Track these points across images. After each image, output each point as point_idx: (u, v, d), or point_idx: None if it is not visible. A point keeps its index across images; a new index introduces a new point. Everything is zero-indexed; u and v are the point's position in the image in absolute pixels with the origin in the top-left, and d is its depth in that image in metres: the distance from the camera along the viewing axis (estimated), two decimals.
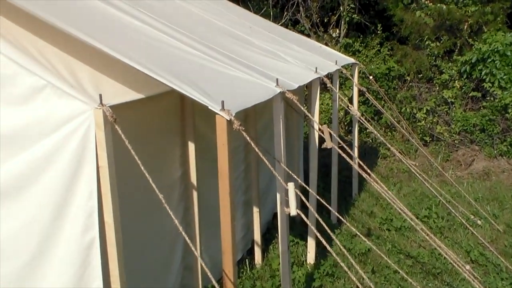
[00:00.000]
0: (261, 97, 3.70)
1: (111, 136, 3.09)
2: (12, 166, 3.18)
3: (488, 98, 9.92)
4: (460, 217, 6.24)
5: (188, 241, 2.93)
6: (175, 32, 4.31)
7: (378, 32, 11.74)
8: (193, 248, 2.94)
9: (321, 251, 5.55)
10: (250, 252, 5.74)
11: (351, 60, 7.86)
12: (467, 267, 5.02)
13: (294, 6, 11.23)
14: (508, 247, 6.00)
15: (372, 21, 11.88)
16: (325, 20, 11.64)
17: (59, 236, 3.20)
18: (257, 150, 3.22)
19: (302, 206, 6.91)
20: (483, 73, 9.96)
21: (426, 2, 10.99)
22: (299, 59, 5.83)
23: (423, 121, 10.35)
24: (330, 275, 5.26)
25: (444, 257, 5.42)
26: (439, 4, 10.76)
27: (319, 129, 4.39)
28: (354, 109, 6.18)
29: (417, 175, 6.61)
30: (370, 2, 11.85)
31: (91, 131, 3.06)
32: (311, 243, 5.53)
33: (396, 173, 9.35)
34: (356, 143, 7.70)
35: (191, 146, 4.17)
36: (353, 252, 5.72)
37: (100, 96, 3.04)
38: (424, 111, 10.45)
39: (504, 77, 9.72)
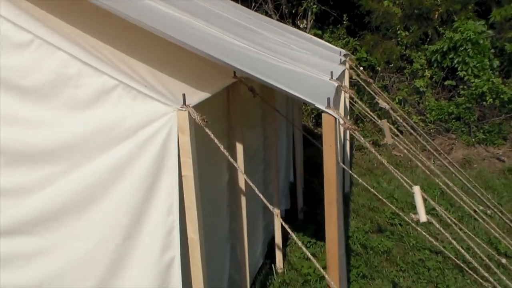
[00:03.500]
0: (331, 92, 3.41)
1: (195, 141, 2.74)
2: (77, 180, 2.78)
3: (462, 87, 9.93)
4: (469, 209, 6.15)
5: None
6: (215, 27, 3.97)
7: (344, 22, 11.59)
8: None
9: None
10: (268, 257, 5.46)
11: (343, 51, 7.66)
12: (503, 260, 4.93)
13: None
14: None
15: (340, 11, 11.71)
16: (293, 11, 11.39)
17: (133, 256, 2.83)
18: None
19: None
20: (455, 61, 9.97)
21: None
22: (312, 51, 5.57)
23: (397, 112, 10.28)
24: (365, 276, 5.04)
25: (473, 251, 5.29)
26: None
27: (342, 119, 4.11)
28: (382, 101, 5.96)
29: (420, 164, 6.45)
30: None
31: (173, 136, 2.70)
32: None
33: (376, 165, 9.23)
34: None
35: (240, 149, 3.84)
36: (377, 251, 5.52)
37: (184, 95, 2.69)
38: (397, 101, 10.39)
39: (477, 65, 9.76)
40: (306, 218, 6.45)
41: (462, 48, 9.86)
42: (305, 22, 11.21)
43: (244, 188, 3.91)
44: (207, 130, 2.65)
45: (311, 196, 6.97)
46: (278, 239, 5.26)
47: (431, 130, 9.97)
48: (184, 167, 2.71)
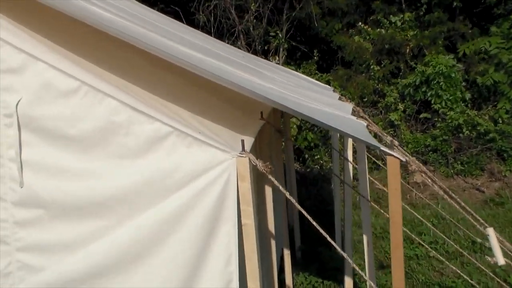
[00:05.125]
0: (364, 133, 3.36)
1: (253, 189, 2.63)
2: (127, 234, 2.63)
3: (437, 119, 10.08)
4: (465, 241, 6.17)
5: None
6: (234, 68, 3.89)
7: (315, 57, 11.68)
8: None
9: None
10: None
11: (329, 87, 7.69)
12: None
13: (235, 35, 10.92)
14: None
15: (310, 47, 11.81)
16: (265, 47, 11.43)
17: None
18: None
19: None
20: (428, 94, 10.13)
21: (364, 27, 11.10)
22: (311, 89, 5.54)
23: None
24: None
25: (484, 286, 5.29)
26: (378, 29, 10.90)
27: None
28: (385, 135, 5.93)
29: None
30: (308, 28, 11.78)
31: (231, 183, 2.58)
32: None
33: (359, 199, 9.19)
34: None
35: (268, 191, 3.73)
36: None
37: (242, 142, 2.58)
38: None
39: (450, 97, 9.95)
40: (306, 257, 6.33)
41: (435, 82, 10.03)
42: (277, 58, 11.24)
43: (273, 232, 3.80)
44: (270, 177, 2.54)
45: (308, 235, 6.86)
46: (289, 280, 5.14)
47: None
48: (244, 215, 2.59)
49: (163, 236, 2.60)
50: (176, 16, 9.72)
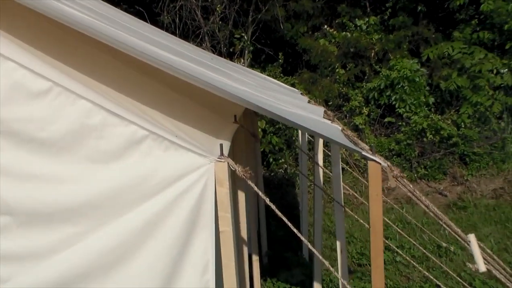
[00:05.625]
0: (341, 137, 3.31)
1: (233, 195, 2.56)
2: (100, 241, 2.54)
3: (401, 123, 10.16)
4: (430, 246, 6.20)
5: None
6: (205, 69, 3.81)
7: (280, 60, 11.64)
8: None
9: None
10: None
11: (296, 90, 7.65)
12: None
13: (200, 37, 10.81)
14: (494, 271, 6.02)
15: (274, 50, 11.77)
16: (231, 50, 11.36)
17: None
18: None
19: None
20: (392, 98, 10.20)
21: (330, 30, 11.12)
22: (280, 92, 5.49)
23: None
24: None
25: None
26: (343, 32, 10.93)
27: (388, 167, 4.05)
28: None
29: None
30: (273, 30, 11.74)
31: (209, 189, 2.51)
32: None
33: (327, 204, 9.20)
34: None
35: (241, 196, 3.66)
36: None
37: (221, 146, 2.51)
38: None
39: (414, 102, 10.04)
40: (273, 263, 6.27)
41: (399, 86, 10.11)
42: (242, 60, 11.17)
43: (246, 238, 3.73)
44: (250, 182, 2.47)
45: (274, 241, 6.81)
46: (257, 286, 5.07)
47: None
48: (222, 222, 2.52)
49: (138, 244, 2.51)
50: (140, 17, 9.55)
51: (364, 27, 10.98)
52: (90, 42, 2.56)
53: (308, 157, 6.53)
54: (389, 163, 2.63)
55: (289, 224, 2.50)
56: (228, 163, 2.46)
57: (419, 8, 10.93)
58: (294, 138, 10.49)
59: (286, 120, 2.64)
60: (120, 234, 2.50)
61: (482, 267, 2.55)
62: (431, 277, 4.47)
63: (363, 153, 2.54)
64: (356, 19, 11.11)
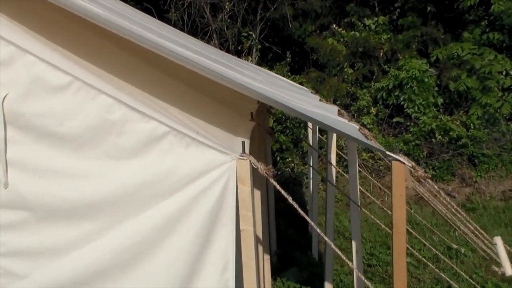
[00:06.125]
0: (361, 136, 3.27)
1: (253, 193, 2.52)
2: (120, 238, 2.50)
3: (409, 123, 10.11)
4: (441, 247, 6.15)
5: None
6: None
7: (288, 59, 11.60)
8: None
9: None
10: None
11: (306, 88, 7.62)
12: None
13: (208, 34, 10.78)
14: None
15: (282, 48, 11.72)
16: (239, 48, 11.32)
17: None
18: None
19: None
20: (401, 99, 10.15)
21: (338, 29, 11.07)
22: (292, 90, 5.45)
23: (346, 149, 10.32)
24: None
25: None
26: (352, 32, 10.88)
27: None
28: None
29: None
30: (281, 29, 11.70)
31: (230, 187, 2.47)
32: None
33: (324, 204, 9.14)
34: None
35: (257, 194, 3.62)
36: None
37: (243, 143, 2.47)
38: (345, 139, 10.42)
39: (423, 102, 9.99)
40: (282, 262, 6.23)
41: (408, 86, 10.05)
42: (250, 58, 11.13)
43: (261, 237, 3.69)
44: (272, 180, 2.43)
45: (283, 240, 6.77)
46: (268, 285, 5.03)
47: (380, 167, 10.05)
48: (243, 220, 2.48)
49: (157, 241, 2.47)
50: (148, 13, 9.53)
51: (373, 26, 10.93)
52: (107, 37, 2.52)
53: (319, 156, 6.49)
54: (413, 163, 2.58)
55: (314, 226, 2.45)
56: (250, 161, 2.42)
57: (428, 8, 10.87)
58: (302, 136, 10.46)
59: (308, 118, 2.61)
60: (139, 231, 2.47)
61: (509, 270, 2.50)
62: (445, 277, 4.40)
63: (388, 152, 2.49)
64: (365, 19, 11.06)
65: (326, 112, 3.79)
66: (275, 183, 2.44)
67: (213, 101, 3.10)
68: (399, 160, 2.48)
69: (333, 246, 2.73)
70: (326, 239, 2.76)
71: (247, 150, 2.52)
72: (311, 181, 7.28)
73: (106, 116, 2.43)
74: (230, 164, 2.44)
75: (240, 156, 2.44)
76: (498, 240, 2.62)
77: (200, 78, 2.53)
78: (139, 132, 2.44)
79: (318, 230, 2.70)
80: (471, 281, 5.05)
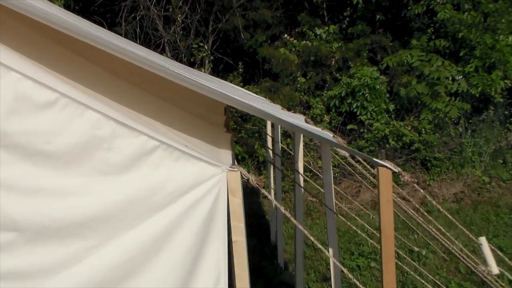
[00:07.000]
0: (341, 144, 3.34)
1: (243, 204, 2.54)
2: (111, 255, 2.48)
3: (363, 130, 10.30)
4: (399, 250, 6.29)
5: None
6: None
7: (240, 69, 11.64)
8: None
9: None
10: None
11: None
12: None
13: (161, 47, 10.74)
14: (465, 273, 6.16)
15: (235, 59, 11.77)
16: (191, 60, 11.31)
17: None
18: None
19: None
20: (353, 106, 10.33)
21: (290, 39, 11.21)
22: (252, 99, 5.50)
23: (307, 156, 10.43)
24: None
25: None
26: (304, 41, 11.03)
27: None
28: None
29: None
30: (233, 40, 11.75)
31: (221, 199, 2.49)
32: None
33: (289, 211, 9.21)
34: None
35: None
36: None
37: (233, 155, 2.51)
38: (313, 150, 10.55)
39: (375, 109, 10.19)
40: (250, 272, 6.23)
41: (360, 93, 10.24)
42: (203, 70, 11.14)
43: None
44: (264, 191, 2.46)
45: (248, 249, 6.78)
46: None
47: (336, 174, 10.17)
48: (235, 232, 2.50)
49: (150, 256, 2.46)
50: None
51: (323, 35, 11.10)
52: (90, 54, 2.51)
53: (282, 164, 6.55)
54: (399, 168, 2.65)
55: (298, 225, 2.49)
56: (240, 172, 2.44)
57: (377, 16, 11.13)
58: (256, 147, 10.52)
59: (290, 125, 2.65)
60: (131, 247, 2.45)
61: (495, 269, 2.59)
62: (418, 276, 4.50)
63: (374, 159, 2.55)
64: (316, 28, 11.22)
65: (297, 120, 3.85)
66: (266, 194, 2.47)
67: (190, 114, 3.12)
68: (386, 166, 2.54)
69: (341, 267, 2.77)
70: (338, 264, 2.80)
71: (231, 161, 2.55)
72: (272, 190, 7.32)
73: (95, 132, 2.41)
74: (221, 176, 2.46)
75: (230, 167, 2.46)
76: (483, 240, 2.72)
77: (173, 91, 2.54)
78: (129, 147, 2.43)
79: (305, 231, 2.74)
80: (437, 282, 5.18)
